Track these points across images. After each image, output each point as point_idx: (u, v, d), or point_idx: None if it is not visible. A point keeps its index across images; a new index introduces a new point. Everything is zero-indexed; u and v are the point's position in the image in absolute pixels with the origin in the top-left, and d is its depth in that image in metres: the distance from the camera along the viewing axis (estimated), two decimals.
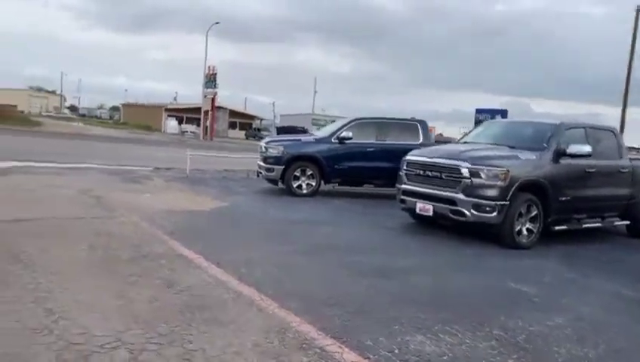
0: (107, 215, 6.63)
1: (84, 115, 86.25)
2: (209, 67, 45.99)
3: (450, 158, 6.82)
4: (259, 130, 64.63)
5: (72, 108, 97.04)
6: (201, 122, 48.27)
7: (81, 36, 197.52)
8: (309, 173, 10.30)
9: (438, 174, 6.79)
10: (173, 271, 4.40)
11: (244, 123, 65.88)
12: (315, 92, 72.52)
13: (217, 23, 49.42)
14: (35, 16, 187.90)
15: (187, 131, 53.49)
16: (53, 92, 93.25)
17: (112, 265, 4.39)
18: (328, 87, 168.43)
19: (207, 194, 9.58)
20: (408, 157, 7.45)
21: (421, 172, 7.04)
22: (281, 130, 47.74)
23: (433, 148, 8.38)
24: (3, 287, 3.56)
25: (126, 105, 79.29)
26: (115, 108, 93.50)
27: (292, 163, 10.21)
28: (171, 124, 55.96)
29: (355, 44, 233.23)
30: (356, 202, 10.35)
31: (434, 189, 6.82)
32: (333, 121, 15.21)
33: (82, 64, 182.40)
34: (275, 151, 10.36)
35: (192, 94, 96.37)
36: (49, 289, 3.60)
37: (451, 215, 6.64)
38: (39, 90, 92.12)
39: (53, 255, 4.51)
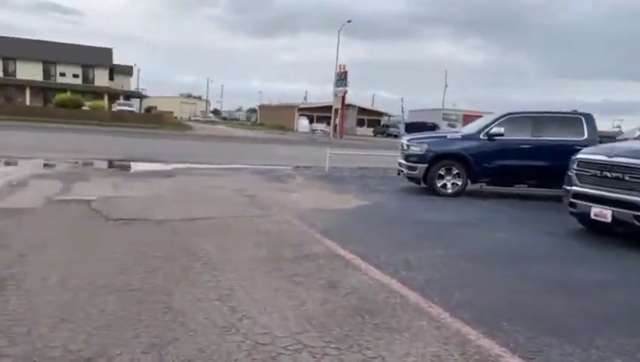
0: (263, 213, 6.94)
1: (225, 118, 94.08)
2: (340, 66, 46.79)
3: (636, 158, 5.95)
4: (387, 126, 64.34)
5: (216, 112, 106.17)
6: (332, 120, 49.37)
7: (222, 44, 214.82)
8: (454, 171, 9.80)
9: (620, 175, 5.94)
10: (333, 271, 4.41)
11: (372, 120, 66.04)
12: (446, 85, 69.93)
13: (349, 21, 50.04)
14: (184, 29, 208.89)
15: (317, 130, 55.14)
16: (199, 97, 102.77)
17: (277, 263, 4.52)
18: (456, 82, 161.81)
19: (348, 192, 9.65)
20: (581, 156, 6.67)
21: (598, 173, 6.24)
22: (410, 127, 46.95)
23: (610, 145, 7.37)
24: (189, 285, 3.80)
25: (262, 107, 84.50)
26: (251, 110, 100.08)
27: (436, 161, 9.81)
28: (303, 123, 58.08)
29: (485, 36, 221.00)
30: (504, 203, 9.64)
31: (614, 192, 5.99)
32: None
33: (223, 70, 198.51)
34: (417, 148, 10.05)
35: (319, 93, 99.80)
36: (229, 287, 3.78)
37: (637, 222, 5.79)
38: (188, 96, 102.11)
39: (226, 253, 4.76)
